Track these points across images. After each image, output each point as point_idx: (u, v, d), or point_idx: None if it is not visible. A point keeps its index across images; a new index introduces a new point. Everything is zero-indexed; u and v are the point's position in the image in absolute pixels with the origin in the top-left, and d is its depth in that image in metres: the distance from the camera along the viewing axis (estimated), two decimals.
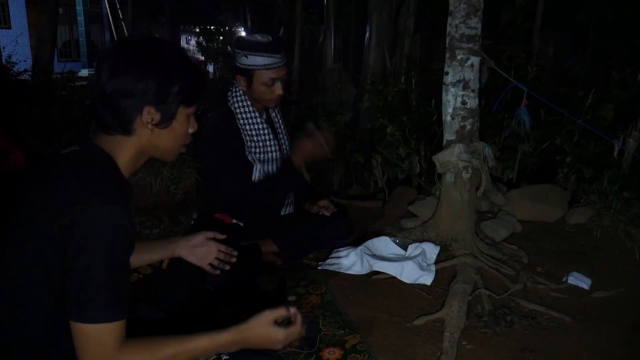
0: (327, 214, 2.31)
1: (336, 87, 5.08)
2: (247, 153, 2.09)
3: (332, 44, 6.43)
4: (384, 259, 2.11)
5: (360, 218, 2.73)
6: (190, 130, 1.12)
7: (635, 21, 5.97)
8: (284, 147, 2.23)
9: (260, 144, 2.11)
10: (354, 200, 3.07)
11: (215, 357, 1.08)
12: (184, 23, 18.23)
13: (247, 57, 1.99)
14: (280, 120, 2.27)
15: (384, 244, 2.24)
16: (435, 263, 2.10)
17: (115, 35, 12.99)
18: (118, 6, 11.69)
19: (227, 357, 1.09)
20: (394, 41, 5.48)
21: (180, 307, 1.65)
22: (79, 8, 13.88)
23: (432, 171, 2.57)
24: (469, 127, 2.22)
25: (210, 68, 14.17)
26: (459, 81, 2.19)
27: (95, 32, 15.64)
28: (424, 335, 1.70)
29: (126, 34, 11.86)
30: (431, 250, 2.13)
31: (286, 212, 2.32)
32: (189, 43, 20.70)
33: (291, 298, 1.93)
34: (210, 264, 1.41)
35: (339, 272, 2.09)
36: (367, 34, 5.55)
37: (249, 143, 2.10)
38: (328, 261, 2.18)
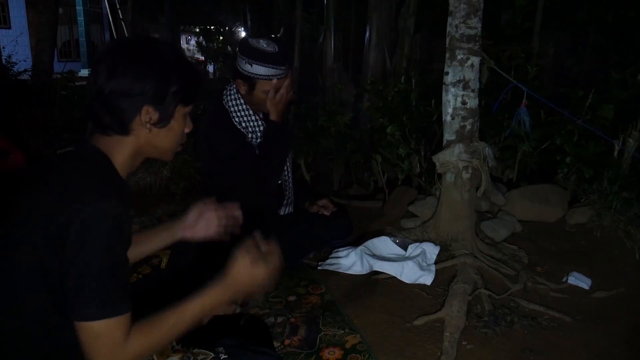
0: (326, 213, 2.31)
1: (336, 87, 5.08)
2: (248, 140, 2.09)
3: (332, 44, 6.43)
4: (384, 259, 2.11)
5: (360, 218, 2.73)
6: (186, 130, 1.12)
7: (635, 21, 5.97)
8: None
9: (259, 140, 2.10)
10: (354, 200, 3.07)
11: (213, 355, 1.08)
12: (184, 23, 18.24)
13: (251, 65, 1.98)
14: None
15: (384, 244, 2.24)
16: (435, 263, 2.10)
17: (115, 35, 13.00)
18: (118, 6, 11.70)
19: (226, 356, 1.09)
20: (394, 41, 5.48)
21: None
22: (79, 8, 13.88)
23: (432, 171, 2.57)
24: (469, 127, 2.22)
25: (210, 68, 14.17)
26: (459, 81, 2.19)
27: (95, 32, 15.64)
28: (424, 335, 1.70)
29: (126, 34, 11.87)
30: (431, 250, 2.13)
31: (286, 212, 2.32)
32: (189, 43, 20.71)
33: (291, 298, 1.93)
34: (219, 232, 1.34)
35: (339, 272, 2.09)
36: (367, 34, 5.55)
37: (250, 134, 2.09)
38: (328, 261, 2.18)
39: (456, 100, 2.21)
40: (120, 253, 0.94)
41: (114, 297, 0.92)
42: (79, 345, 0.99)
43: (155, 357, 1.06)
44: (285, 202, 2.28)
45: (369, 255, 2.14)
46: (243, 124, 2.09)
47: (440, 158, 2.25)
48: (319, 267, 2.17)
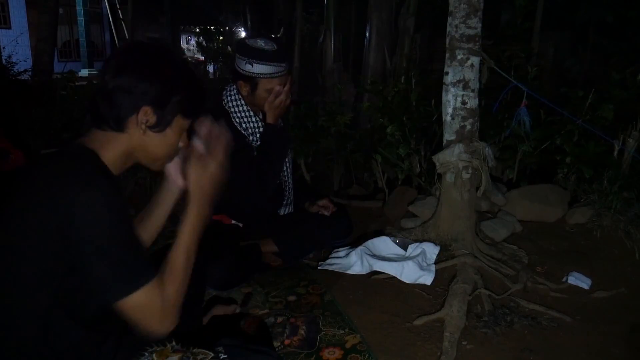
0: (326, 213, 2.31)
1: (336, 87, 5.07)
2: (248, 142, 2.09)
3: (332, 44, 6.43)
4: (384, 259, 2.11)
5: (360, 218, 2.73)
6: (181, 144, 1.13)
7: (635, 21, 5.97)
8: (289, 136, 2.21)
9: (257, 143, 2.10)
10: (354, 200, 3.07)
11: (213, 355, 1.08)
12: (184, 23, 18.25)
13: (252, 65, 1.98)
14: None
15: (384, 244, 2.23)
16: (435, 263, 2.10)
17: (115, 35, 13.00)
18: (118, 6, 11.71)
19: (226, 356, 1.09)
20: (394, 41, 5.48)
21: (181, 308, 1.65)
22: (79, 8, 13.88)
23: (432, 171, 2.57)
24: (469, 127, 2.22)
25: (210, 68, 14.16)
26: (459, 81, 2.19)
27: (95, 32, 15.64)
28: (424, 335, 1.70)
29: (126, 34, 11.87)
30: (431, 250, 2.13)
31: (286, 212, 2.32)
32: (189, 43, 20.70)
33: (291, 298, 1.93)
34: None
35: (339, 272, 2.09)
36: (367, 34, 5.55)
37: (250, 137, 2.09)
38: (328, 261, 2.18)
39: (456, 100, 2.21)
40: (128, 223, 0.98)
41: (139, 266, 0.97)
42: (75, 348, 1.00)
43: (155, 356, 1.06)
44: (285, 202, 2.28)
45: (369, 255, 2.14)
46: (243, 125, 2.09)
47: (440, 158, 2.25)
48: (319, 267, 2.17)
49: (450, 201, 2.27)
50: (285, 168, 2.26)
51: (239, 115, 2.09)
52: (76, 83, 5.08)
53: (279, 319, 1.77)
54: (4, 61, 6.71)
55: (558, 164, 2.72)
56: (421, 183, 2.85)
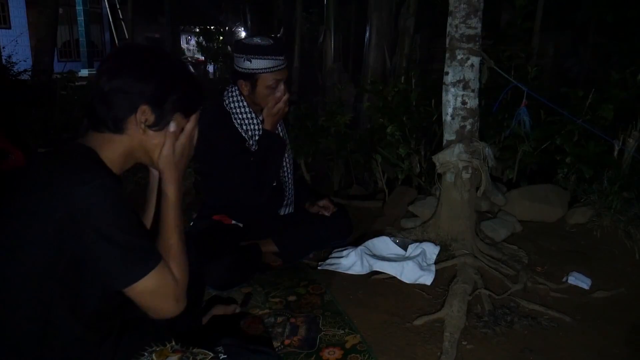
0: (327, 213, 2.31)
1: (336, 87, 5.08)
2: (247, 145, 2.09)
3: (332, 44, 6.44)
4: (384, 259, 2.11)
5: (360, 218, 2.73)
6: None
7: (635, 21, 5.96)
8: (285, 142, 2.22)
9: (256, 147, 2.11)
10: (354, 200, 3.07)
11: (212, 355, 1.08)
12: (184, 23, 18.25)
13: (250, 62, 1.99)
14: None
15: (384, 244, 2.23)
16: (435, 263, 2.10)
17: (115, 35, 13.01)
18: (118, 6, 11.72)
19: (225, 356, 1.08)
20: (394, 41, 5.48)
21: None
22: (79, 8, 13.88)
23: (432, 171, 2.57)
24: (469, 127, 2.22)
25: (210, 68, 14.17)
26: (459, 81, 2.19)
27: (95, 32, 15.64)
28: (424, 335, 1.70)
29: (126, 34, 11.87)
30: (431, 250, 2.13)
31: (286, 212, 2.32)
32: (189, 43, 20.71)
33: (291, 298, 1.93)
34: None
35: (339, 272, 2.09)
36: (367, 34, 5.56)
37: (250, 140, 2.09)
38: (328, 261, 2.18)
39: (456, 100, 2.21)
40: (130, 211, 0.99)
41: (148, 249, 0.99)
42: (75, 347, 1.00)
43: (154, 356, 1.06)
44: (285, 202, 2.28)
45: (369, 255, 2.14)
46: (244, 127, 2.09)
47: (440, 158, 2.25)
48: (319, 267, 2.16)
49: (450, 201, 2.26)
50: (285, 168, 2.26)
51: (240, 116, 2.09)
52: (76, 83, 5.08)
53: (279, 319, 1.77)
54: (4, 61, 6.71)
55: (558, 164, 2.72)
56: (421, 183, 2.85)
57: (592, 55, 7.29)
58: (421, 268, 2.04)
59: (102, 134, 1.04)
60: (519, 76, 2.73)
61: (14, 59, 6.65)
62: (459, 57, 2.18)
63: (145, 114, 1.03)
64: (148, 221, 1.28)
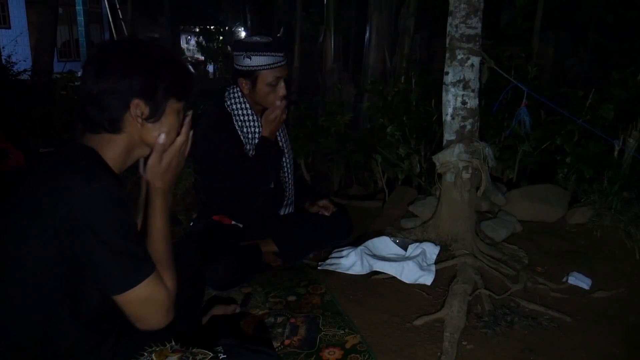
0: (327, 213, 2.31)
1: (336, 87, 5.08)
2: (245, 151, 2.09)
3: (332, 44, 6.44)
4: (384, 259, 2.11)
5: (360, 218, 2.73)
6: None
7: (635, 21, 5.97)
8: (282, 150, 2.22)
9: (252, 152, 2.11)
10: (354, 200, 3.07)
11: (212, 355, 1.08)
12: (184, 23, 18.26)
13: (250, 59, 1.99)
14: None
15: (384, 244, 2.23)
16: (435, 263, 2.09)
17: (115, 35, 12.99)
18: (118, 6, 11.70)
19: (225, 356, 1.08)
20: (394, 41, 5.48)
21: (179, 307, 1.65)
22: (79, 8, 13.85)
23: (432, 171, 2.57)
24: (469, 127, 2.22)
25: (210, 68, 14.17)
26: (459, 81, 2.19)
27: (95, 32, 15.63)
28: (424, 335, 1.69)
29: (126, 34, 11.86)
30: (431, 250, 2.13)
31: (286, 212, 2.32)
32: (189, 43, 20.72)
33: (291, 298, 1.93)
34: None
35: (339, 272, 2.09)
36: (367, 34, 5.56)
37: (247, 145, 2.10)
38: (328, 261, 2.18)
39: (456, 100, 2.21)
40: (128, 219, 0.98)
41: (143, 258, 0.98)
42: (75, 347, 0.99)
43: (154, 356, 1.05)
44: (285, 202, 2.28)
45: (369, 255, 2.14)
46: (244, 129, 2.09)
47: (440, 158, 2.25)
48: (319, 267, 2.16)
49: (450, 201, 2.26)
50: (285, 169, 2.26)
51: (241, 118, 2.09)
52: (76, 83, 5.08)
53: (279, 319, 1.77)
54: (3, 61, 6.71)
55: (558, 164, 2.72)
56: (421, 183, 2.85)
57: (592, 55, 7.29)
58: (421, 268, 2.04)
59: (100, 135, 1.03)
60: (519, 76, 2.73)
61: (13, 59, 6.65)
62: (459, 57, 2.18)
63: (139, 108, 1.03)
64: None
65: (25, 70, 6.24)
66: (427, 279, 2.00)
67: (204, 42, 14.51)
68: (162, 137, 1.07)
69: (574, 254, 2.26)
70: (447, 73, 2.22)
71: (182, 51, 18.13)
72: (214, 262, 1.90)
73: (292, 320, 1.77)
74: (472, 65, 2.18)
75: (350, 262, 2.11)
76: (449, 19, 2.19)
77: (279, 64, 2.01)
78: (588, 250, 2.28)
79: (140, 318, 0.98)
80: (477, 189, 2.27)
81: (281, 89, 2.04)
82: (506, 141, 2.78)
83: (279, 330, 1.71)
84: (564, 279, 2.06)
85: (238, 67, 2.05)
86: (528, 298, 1.92)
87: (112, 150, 1.04)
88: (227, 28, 16.60)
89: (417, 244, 2.18)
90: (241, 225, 2.19)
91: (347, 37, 8.13)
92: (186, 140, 1.12)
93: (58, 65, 7.91)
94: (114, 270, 0.94)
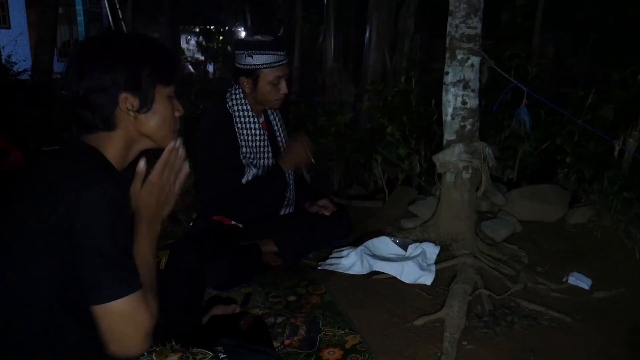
0: (327, 213, 2.31)
1: (336, 87, 5.08)
2: (241, 157, 2.09)
3: (332, 44, 6.44)
4: (384, 259, 2.11)
5: (360, 218, 2.73)
6: (177, 114, 1.11)
7: (635, 21, 5.96)
8: (282, 152, 2.22)
9: (255, 149, 2.11)
10: (354, 200, 3.07)
11: (212, 355, 1.08)
12: (184, 23, 18.24)
13: (251, 57, 1.99)
14: (279, 123, 2.27)
15: (384, 244, 2.23)
16: (436, 263, 2.09)
17: None
18: (118, 6, 11.70)
19: (225, 356, 1.08)
20: (394, 41, 5.47)
21: (179, 307, 1.65)
22: (79, 8, 13.87)
23: (432, 171, 2.56)
24: (469, 127, 2.22)
25: (210, 68, 14.17)
26: (459, 81, 2.19)
27: (95, 32, 15.61)
28: (424, 335, 1.69)
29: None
30: (431, 250, 2.13)
31: (286, 212, 2.31)
32: (189, 43, 20.71)
33: (291, 298, 1.93)
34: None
35: (339, 272, 2.09)
36: (367, 34, 5.55)
37: (244, 148, 2.10)
38: (328, 261, 2.18)
39: (456, 100, 2.21)
40: (125, 230, 0.96)
41: (129, 273, 0.93)
42: (76, 348, 0.99)
43: (154, 356, 1.05)
44: (285, 202, 2.28)
45: (369, 255, 2.14)
46: (244, 132, 2.09)
47: (440, 158, 2.25)
48: (319, 267, 2.16)
49: (451, 201, 2.26)
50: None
51: (241, 120, 2.09)
52: None
53: (279, 319, 1.77)
54: (3, 61, 6.71)
55: (558, 164, 2.72)
56: (421, 183, 2.85)
57: (592, 55, 7.28)
58: (421, 268, 2.04)
59: (97, 134, 1.03)
60: (519, 76, 2.73)
61: (13, 59, 6.64)
62: (459, 57, 2.18)
63: (128, 101, 1.02)
64: None
65: (25, 70, 6.23)
66: (427, 279, 2.00)
67: (204, 42, 14.50)
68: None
69: (574, 254, 2.26)
70: (447, 73, 2.22)
71: (182, 51, 18.13)
72: (214, 262, 1.90)
73: (292, 320, 1.77)
74: (472, 65, 2.18)
75: (350, 262, 2.11)
76: (449, 19, 2.19)
77: (280, 63, 2.02)
78: (588, 250, 2.28)
79: (117, 337, 0.91)
80: (477, 189, 2.27)
81: (283, 88, 2.04)
82: (506, 141, 2.78)
83: (279, 330, 1.71)
84: (564, 279, 2.06)
85: (239, 66, 2.05)
86: (528, 298, 1.92)
87: (112, 147, 1.04)
88: (227, 28, 16.60)
89: (417, 244, 2.18)
90: (241, 225, 2.19)
91: (347, 37, 8.13)
92: (159, 176, 1.06)
93: (58, 65, 7.91)
94: (101, 278, 0.90)
